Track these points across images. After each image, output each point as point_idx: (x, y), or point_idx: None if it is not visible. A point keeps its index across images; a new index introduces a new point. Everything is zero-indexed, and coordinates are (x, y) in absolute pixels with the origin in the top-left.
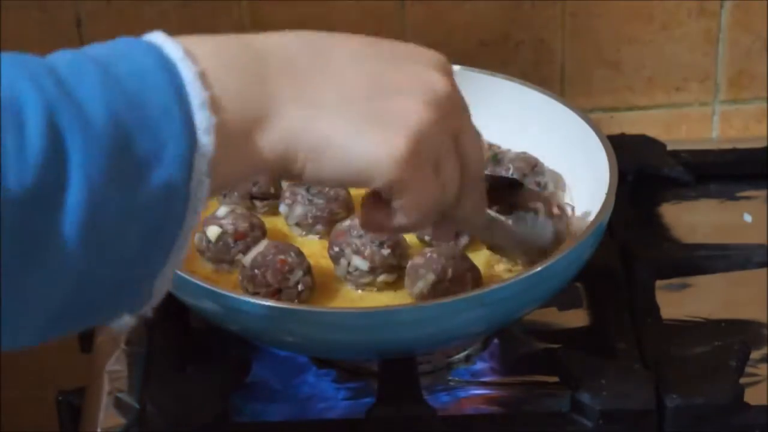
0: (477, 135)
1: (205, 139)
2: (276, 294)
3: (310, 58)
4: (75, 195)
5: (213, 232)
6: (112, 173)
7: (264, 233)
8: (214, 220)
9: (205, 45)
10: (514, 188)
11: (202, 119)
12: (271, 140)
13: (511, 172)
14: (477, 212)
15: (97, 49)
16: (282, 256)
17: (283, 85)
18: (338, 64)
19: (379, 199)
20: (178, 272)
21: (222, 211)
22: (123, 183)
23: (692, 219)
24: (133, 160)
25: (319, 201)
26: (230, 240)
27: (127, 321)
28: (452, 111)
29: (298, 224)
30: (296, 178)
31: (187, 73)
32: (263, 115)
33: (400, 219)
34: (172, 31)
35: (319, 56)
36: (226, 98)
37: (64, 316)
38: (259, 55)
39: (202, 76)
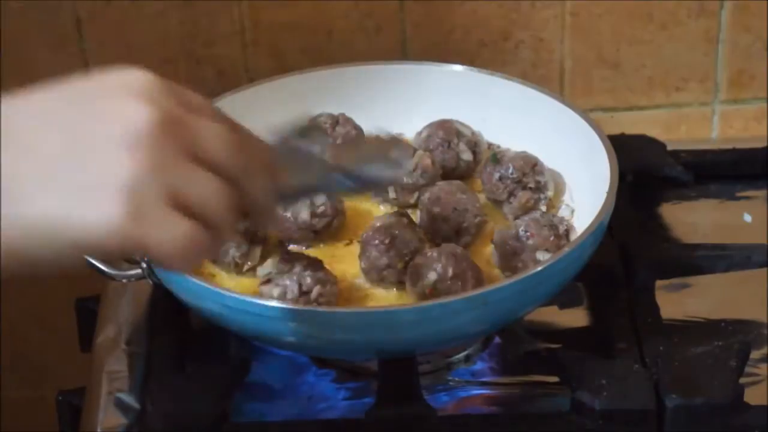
0: (216, 127)
1: None
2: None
3: None
4: None
5: None
6: None
7: (266, 236)
8: None
9: None
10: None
11: None
12: None
13: (510, 171)
14: (269, 191)
15: None
16: None
17: None
18: (27, 128)
19: None
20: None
21: None
22: None
23: (692, 219)
24: None
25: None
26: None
27: None
28: (166, 134)
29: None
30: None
31: None
32: None
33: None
34: (172, 31)
35: (4, 127)
36: None
37: None
38: None
39: None
